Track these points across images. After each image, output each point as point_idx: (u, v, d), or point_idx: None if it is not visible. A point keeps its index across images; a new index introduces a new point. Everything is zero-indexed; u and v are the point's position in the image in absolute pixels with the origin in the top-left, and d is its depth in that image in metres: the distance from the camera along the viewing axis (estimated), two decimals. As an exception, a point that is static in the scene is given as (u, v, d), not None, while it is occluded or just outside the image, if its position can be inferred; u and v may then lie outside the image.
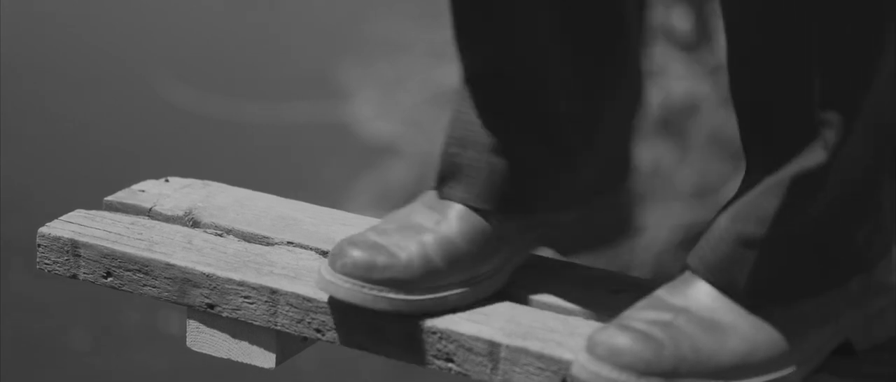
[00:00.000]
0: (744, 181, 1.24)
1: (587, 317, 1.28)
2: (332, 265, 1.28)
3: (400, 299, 1.27)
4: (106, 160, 5.27)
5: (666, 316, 1.20)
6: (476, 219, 1.32)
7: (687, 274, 1.25)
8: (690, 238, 4.14)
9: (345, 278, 1.27)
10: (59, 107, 5.84)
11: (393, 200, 5.23)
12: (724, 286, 1.23)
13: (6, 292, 4.34)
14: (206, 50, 5.88)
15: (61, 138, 5.55)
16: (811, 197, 1.21)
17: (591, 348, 1.18)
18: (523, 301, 1.31)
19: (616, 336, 1.18)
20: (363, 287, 1.27)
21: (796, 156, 1.20)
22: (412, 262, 1.28)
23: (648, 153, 4.26)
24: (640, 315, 1.21)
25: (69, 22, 6.79)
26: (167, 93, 5.20)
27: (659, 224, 4.23)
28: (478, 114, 1.33)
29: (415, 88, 5.37)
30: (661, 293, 1.23)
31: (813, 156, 1.20)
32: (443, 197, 1.34)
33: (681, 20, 4.22)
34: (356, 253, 1.27)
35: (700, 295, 1.23)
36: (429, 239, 1.30)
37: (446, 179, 1.34)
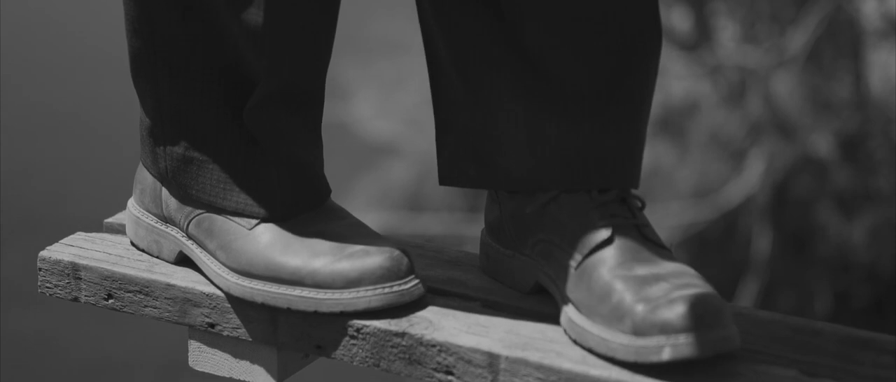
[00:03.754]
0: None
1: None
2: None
3: None
4: (106, 160, 5.26)
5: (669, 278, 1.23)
6: None
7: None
8: (690, 237, 4.14)
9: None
10: (59, 108, 5.83)
11: (392, 200, 5.21)
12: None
13: (6, 288, 4.34)
14: (206, 50, 5.86)
15: (61, 138, 5.54)
16: None
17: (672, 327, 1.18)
18: (521, 312, 1.31)
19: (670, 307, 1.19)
20: None
21: None
22: None
23: (649, 153, 4.25)
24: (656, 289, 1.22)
25: (69, 22, 6.78)
26: (167, 94, 5.18)
27: (659, 224, 4.22)
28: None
29: (415, 88, 5.36)
30: (628, 272, 1.25)
31: None
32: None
33: (681, 20, 4.20)
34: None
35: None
36: None
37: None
